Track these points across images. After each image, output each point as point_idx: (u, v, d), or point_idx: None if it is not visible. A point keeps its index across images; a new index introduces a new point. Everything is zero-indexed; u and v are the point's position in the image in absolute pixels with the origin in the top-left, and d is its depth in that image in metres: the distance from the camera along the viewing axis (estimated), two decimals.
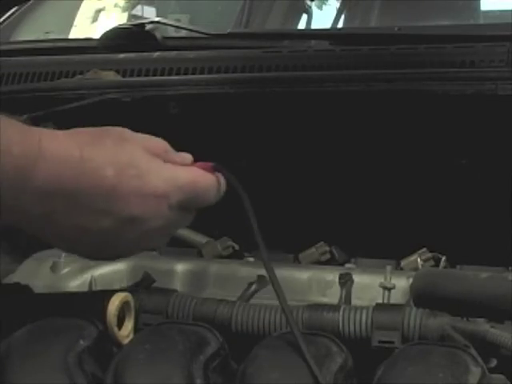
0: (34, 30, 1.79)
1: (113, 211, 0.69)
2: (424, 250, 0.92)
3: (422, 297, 0.76)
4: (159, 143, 0.75)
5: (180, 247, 0.95)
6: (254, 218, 0.74)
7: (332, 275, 0.86)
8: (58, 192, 0.67)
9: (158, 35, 1.29)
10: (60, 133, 0.69)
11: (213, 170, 0.75)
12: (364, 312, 0.73)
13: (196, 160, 0.77)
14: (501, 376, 0.69)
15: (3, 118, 0.65)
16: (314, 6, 2.40)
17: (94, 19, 2.47)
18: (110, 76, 1.15)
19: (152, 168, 0.71)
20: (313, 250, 0.96)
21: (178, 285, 0.91)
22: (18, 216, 0.68)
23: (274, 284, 0.71)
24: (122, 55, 1.22)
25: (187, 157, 0.77)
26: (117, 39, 1.30)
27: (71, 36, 2.01)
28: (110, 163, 0.69)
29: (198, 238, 1.00)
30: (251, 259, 0.98)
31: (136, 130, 0.78)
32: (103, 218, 0.69)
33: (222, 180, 0.76)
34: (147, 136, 0.75)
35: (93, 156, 0.68)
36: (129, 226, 0.71)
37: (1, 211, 0.66)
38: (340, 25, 2.20)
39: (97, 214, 0.69)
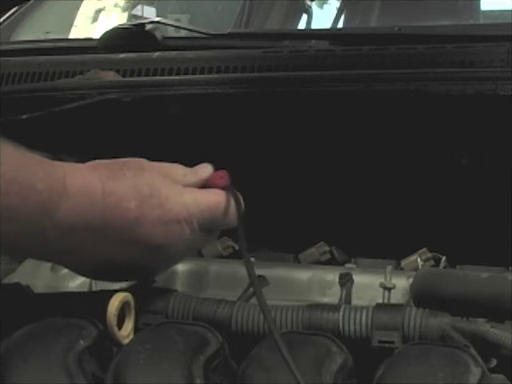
0: (34, 29, 1.79)
1: (138, 241, 0.71)
2: (424, 249, 0.91)
3: (422, 297, 0.76)
4: (177, 169, 0.77)
5: None
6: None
7: (332, 275, 0.86)
8: (83, 227, 0.68)
9: (158, 35, 1.29)
10: (82, 167, 0.71)
11: (229, 184, 0.77)
12: (364, 312, 0.73)
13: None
14: (501, 376, 0.69)
15: (27, 154, 0.66)
16: (314, 6, 2.40)
17: (94, 19, 2.47)
18: (110, 76, 1.14)
19: (172, 195, 0.73)
20: (313, 250, 0.96)
21: (178, 285, 0.91)
22: (43, 251, 0.70)
23: (254, 285, 0.71)
24: (122, 55, 1.22)
25: (207, 168, 0.78)
26: (117, 39, 1.30)
27: (71, 36, 2.01)
28: (131, 196, 0.71)
29: None
30: (251, 259, 0.98)
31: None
32: (129, 247, 0.72)
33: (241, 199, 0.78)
34: (164, 164, 0.77)
35: (115, 190, 0.70)
36: (154, 253, 0.73)
37: (25, 246, 0.67)
38: (340, 25, 2.20)
39: (122, 245, 0.71)
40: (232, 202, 0.76)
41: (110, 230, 0.70)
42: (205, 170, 0.78)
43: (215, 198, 0.76)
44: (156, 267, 0.77)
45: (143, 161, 0.75)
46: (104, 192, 0.69)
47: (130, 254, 0.72)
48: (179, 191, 0.74)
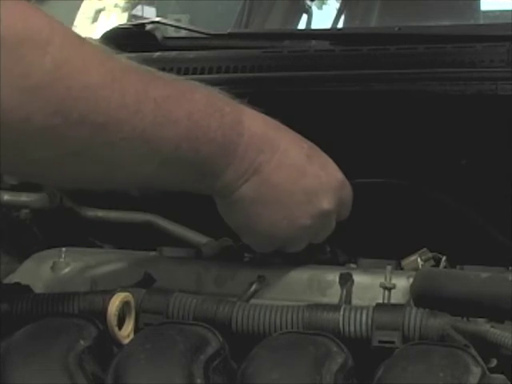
0: None
1: (309, 175, 0.80)
2: (424, 249, 0.91)
3: (423, 297, 0.76)
4: None
5: (180, 247, 0.94)
6: None
7: (332, 275, 0.86)
8: (266, 146, 0.77)
9: (158, 35, 1.29)
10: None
11: None
12: (364, 312, 0.73)
13: None
14: (501, 376, 0.69)
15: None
16: (313, 6, 2.40)
17: (94, 19, 2.47)
18: None
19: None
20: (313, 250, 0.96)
21: (178, 285, 0.91)
22: (230, 168, 0.76)
23: None
24: (121, 55, 1.22)
25: None
26: (117, 39, 1.30)
27: None
28: (301, 140, 0.82)
29: (198, 238, 1.00)
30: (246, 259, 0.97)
31: None
32: (302, 179, 0.80)
33: None
34: None
35: (287, 133, 0.81)
36: (320, 193, 0.81)
37: (213, 163, 0.74)
38: (340, 25, 2.20)
39: (299, 173, 0.80)
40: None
41: (289, 154, 0.79)
42: None
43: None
44: (315, 212, 0.82)
45: None
46: (278, 126, 0.81)
47: (304, 184, 0.80)
48: None
